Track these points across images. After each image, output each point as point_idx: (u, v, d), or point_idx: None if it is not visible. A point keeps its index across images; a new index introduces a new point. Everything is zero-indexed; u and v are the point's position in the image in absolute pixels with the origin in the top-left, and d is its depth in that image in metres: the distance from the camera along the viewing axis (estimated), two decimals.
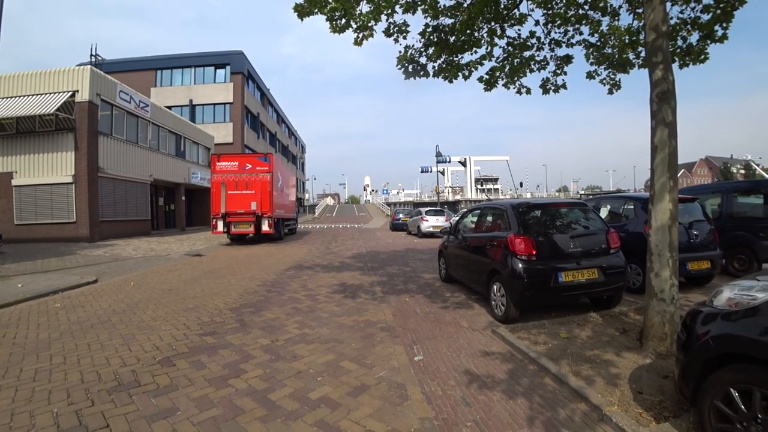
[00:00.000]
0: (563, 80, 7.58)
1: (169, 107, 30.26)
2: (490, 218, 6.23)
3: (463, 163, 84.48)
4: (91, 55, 36.06)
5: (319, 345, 4.26)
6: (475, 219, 6.76)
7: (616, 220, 7.12)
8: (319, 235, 22.61)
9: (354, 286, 7.45)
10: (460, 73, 7.18)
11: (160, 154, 22.75)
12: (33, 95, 16.75)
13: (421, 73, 6.94)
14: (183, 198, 25.72)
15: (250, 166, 16.75)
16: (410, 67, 6.87)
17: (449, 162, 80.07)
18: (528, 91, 7.63)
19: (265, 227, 16.61)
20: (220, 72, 35.38)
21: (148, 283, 8.02)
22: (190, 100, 34.58)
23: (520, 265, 4.79)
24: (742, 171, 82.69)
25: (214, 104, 34.82)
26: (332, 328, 4.89)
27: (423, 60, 6.91)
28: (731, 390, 2.13)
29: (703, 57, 6.59)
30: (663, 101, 3.90)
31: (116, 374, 3.49)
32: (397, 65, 6.83)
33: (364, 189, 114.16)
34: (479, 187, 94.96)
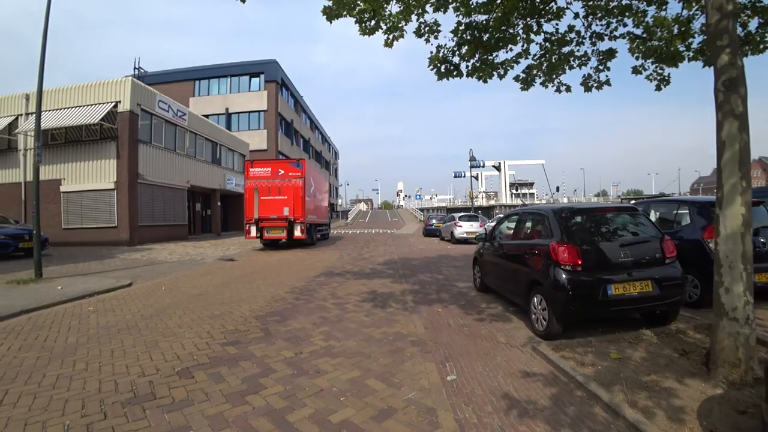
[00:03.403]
0: (606, 76, 7.08)
1: (207, 116, 31.28)
2: (529, 224, 5.80)
3: (498, 168, 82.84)
4: (135, 68, 37.96)
5: (344, 359, 4.00)
6: (512, 225, 6.34)
7: (666, 226, 6.49)
8: (352, 241, 22.55)
9: (384, 295, 7.18)
10: (494, 73, 6.85)
11: (197, 161, 23.44)
12: (79, 107, 17.64)
13: (455, 73, 6.65)
14: (218, 203, 26.40)
15: (282, 171, 16.89)
16: (443, 67, 6.59)
17: (483, 167, 78.66)
18: (568, 89, 7.18)
19: (297, 233, 16.66)
20: (255, 80, 36.35)
21: (179, 288, 8.07)
22: (226, 109, 35.65)
23: (564, 276, 4.36)
24: None
25: (249, 112, 35.76)
26: (359, 340, 4.63)
27: (456, 59, 6.62)
28: None
29: (762, 47, 5.95)
30: (731, 90, 3.42)
31: (133, 385, 3.37)
32: (429, 66, 6.58)
33: (397, 194, 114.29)
34: (514, 191, 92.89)
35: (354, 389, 3.29)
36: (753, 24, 5.89)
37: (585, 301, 4.30)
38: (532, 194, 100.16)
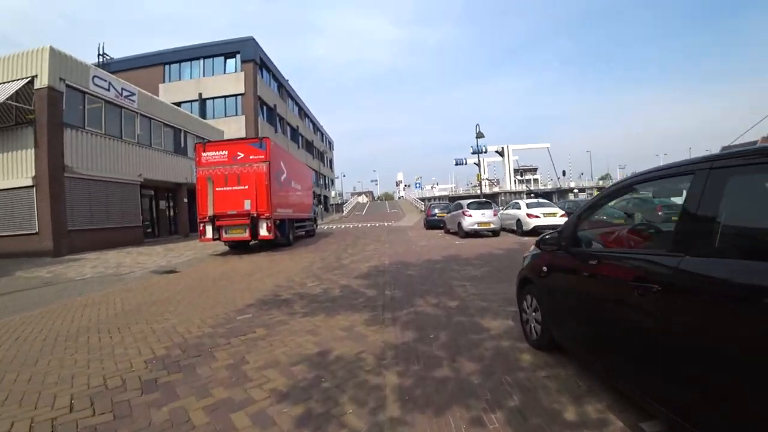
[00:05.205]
0: None
1: (178, 103, 27.84)
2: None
3: (501, 153, 79.29)
4: (99, 54, 34.28)
5: None
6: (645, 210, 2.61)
7: None
8: (339, 238, 19.00)
9: (338, 368, 3.48)
10: None
11: (153, 150, 19.75)
12: None
13: None
14: (185, 200, 22.73)
15: (242, 155, 13.26)
16: None
17: (485, 152, 74.60)
18: None
19: (263, 231, 13.10)
20: (231, 62, 32.55)
21: (14, 336, 4.54)
22: (200, 94, 31.89)
23: None
24: None
25: (225, 96, 31.99)
26: None
27: None
28: None
29: None
30: None
31: None
32: None
33: (397, 185, 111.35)
34: (519, 177, 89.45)
35: None
36: None
37: None
38: (536, 180, 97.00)
